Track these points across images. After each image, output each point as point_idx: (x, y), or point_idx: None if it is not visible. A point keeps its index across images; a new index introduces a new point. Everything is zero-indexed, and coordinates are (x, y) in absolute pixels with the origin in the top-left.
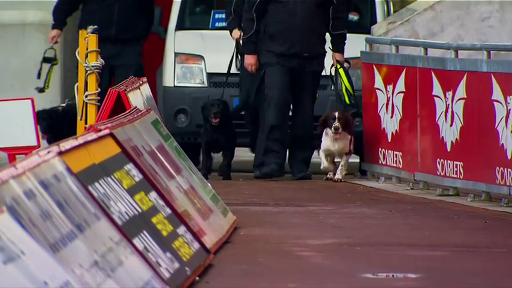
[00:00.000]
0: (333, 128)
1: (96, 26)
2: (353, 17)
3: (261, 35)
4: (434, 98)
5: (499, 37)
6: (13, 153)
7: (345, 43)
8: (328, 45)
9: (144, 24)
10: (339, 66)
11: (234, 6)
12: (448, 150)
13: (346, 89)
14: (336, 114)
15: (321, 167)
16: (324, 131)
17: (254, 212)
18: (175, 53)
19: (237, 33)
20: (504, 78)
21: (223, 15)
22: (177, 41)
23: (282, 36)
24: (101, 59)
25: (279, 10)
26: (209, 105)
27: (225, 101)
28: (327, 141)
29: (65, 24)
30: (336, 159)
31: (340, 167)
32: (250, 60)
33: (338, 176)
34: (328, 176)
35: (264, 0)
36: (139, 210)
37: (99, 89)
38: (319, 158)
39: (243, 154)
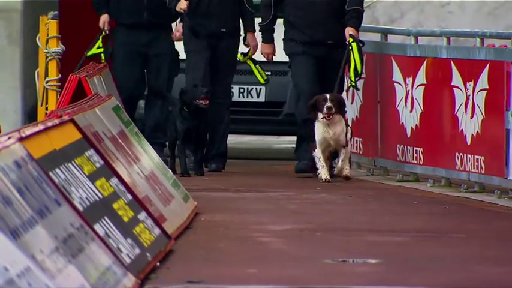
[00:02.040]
0: (325, 109)
1: (56, 12)
2: None
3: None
4: (395, 84)
5: (459, 23)
6: None
7: (360, 19)
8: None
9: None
10: (351, 40)
11: None
12: (408, 136)
13: (355, 67)
14: (327, 95)
15: (318, 176)
16: (316, 120)
17: (215, 198)
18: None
19: (183, 3)
20: (464, 64)
21: None
22: None
23: (303, 23)
24: (62, 45)
25: None
26: (192, 88)
27: (209, 89)
28: (319, 129)
29: (108, 7)
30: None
31: (340, 162)
32: (266, 49)
33: (346, 172)
34: (324, 178)
35: None
36: (100, 196)
37: (60, 75)
38: (315, 158)
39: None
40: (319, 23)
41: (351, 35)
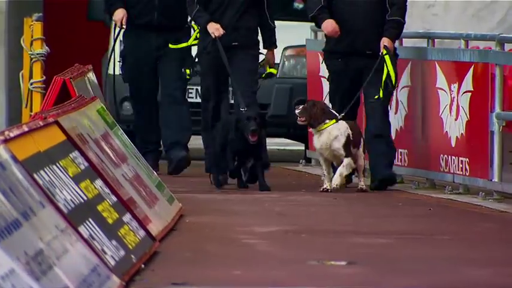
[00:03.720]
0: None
1: (41, 14)
2: (298, 5)
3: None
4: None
5: (444, 25)
6: None
7: (398, 30)
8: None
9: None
10: (384, 52)
11: None
12: (393, 138)
13: (387, 77)
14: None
15: (321, 188)
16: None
17: (200, 200)
18: (120, 40)
19: (213, 26)
20: (448, 66)
21: None
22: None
23: (344, 31)
24: (46, 47)
25: (339, 2)
26: (244, 119)
27: (260, 113)
28: (315, 138)
29: (123, 2)
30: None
31: (338, 171)
32: (330, 25)
33: (336, 181)
34: (322, 188)
35: None
36: (85, 198)
37: (44, 77)
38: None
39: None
40: (358, 31)
41: (385, 47)
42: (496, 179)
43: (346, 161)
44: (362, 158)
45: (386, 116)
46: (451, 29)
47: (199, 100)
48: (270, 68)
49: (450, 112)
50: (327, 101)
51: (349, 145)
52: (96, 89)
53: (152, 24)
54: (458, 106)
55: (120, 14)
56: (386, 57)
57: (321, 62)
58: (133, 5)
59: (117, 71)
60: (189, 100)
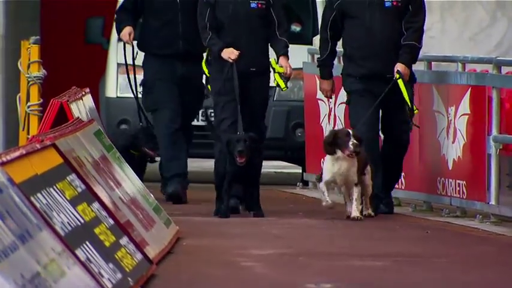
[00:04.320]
0: (351, 146)
1: (38, 37)
2: (295, 28)
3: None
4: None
5: (441, 48)
6: None
7: (413, 55)
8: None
9: None
10: (397, 76)
11: (209, 19)
12: None
13: (405, 102)
14: (350, 131)
15: (323, 203)
16: (332, 155)
17: (197, 223)
18: (118, 63)
19: (227, 51)
20: (445, 89)
21: None
22: (120, 51)
23: (360, 55)
24: (43, 70)
25: (355, 26)
26: (235, 141)
27: (251, 136)
28: (328, 164)
29: (134, 20)
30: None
31: (354, 201)
32: (325, 85)
33: (355, 212)
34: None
35: (339, 15)
36: (82, 220)
37: (41, 100)
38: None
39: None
40: (376, 55)
41: (398, 71)
42: (493, 201)
43: (357, 192)
44: (370, 185)
45: (407, 145)
46: (448, 52)
47: (202, 123)
48: (284, 74)
49: (447, 135)
50: (324, 123)
51: (360, 171)
52: (93, 112)
53: (178, 53)
54: (455, 129)
55: (125, 32)
56: (400, 82)
57: (317, 84)
58: (156, 34)
59: (115, 93)
60: (194, 123)
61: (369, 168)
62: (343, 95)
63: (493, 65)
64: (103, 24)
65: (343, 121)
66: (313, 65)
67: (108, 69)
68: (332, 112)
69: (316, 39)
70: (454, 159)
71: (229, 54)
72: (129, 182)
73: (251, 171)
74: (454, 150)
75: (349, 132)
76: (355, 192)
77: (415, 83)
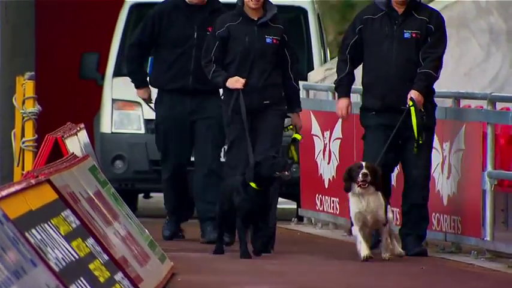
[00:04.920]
0: (360, 175)
1: (33, 73)
2: None
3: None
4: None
5: (436, 83)
6: None
7: (428, 82)
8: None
9: None
10: (410, 103)
11: (215, 53)
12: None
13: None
14: (363, 163)
15: (361, 256)
16: (351, 192)
17: (192, 258)
18: (112, 99)
19: (232, 80)
20: (440, 124)
21: None
22: (115, 87)
23: (375, 85)
24: (38, 106)
25: (373, 56)
26: (271, 158)
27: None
28: (354, 203)
29: (144, 79)
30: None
31: (384, 241)
32: (340, 103)
33: (385, 255)
34: (364, 254)
35: (360, 41)
36: (77, 256)
37: (36, 136)
38: (354, 237)
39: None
40: (392, 87)
41: (411, 98)
42: (488, 237)
43: (386, 231)
44: (392, 223)
45: (426, 186)
46: (443, 88)
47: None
48: (296, 133)
49: (442, 170)
50: (319, 159)
51: (386, 210)
52: (88, 148)
53: (187, 88)
54: (450, 165)
55: (144, 95)
56: (412, 110)
57: (312, 120)
58: (168, 68)
59: (110, 129)
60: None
61: (389, 207)
62: (337, 131)
63: (487, 101)
64: (98, 60)
65: (337, 157)
66: (308, 100)
67: (103, 105)
68: (327, 148)
69: (311, 75)
70: (448, 194)
71: (235, 83)
72: (123, 217)
73: (265, 204)
74: (449, 185)
75: (361, 165)
76: (384, 232)
77: (434, 109)
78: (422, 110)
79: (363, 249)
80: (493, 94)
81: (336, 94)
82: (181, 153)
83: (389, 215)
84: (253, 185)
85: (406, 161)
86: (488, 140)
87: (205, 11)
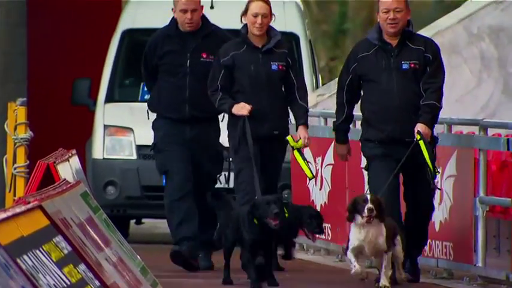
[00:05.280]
0: (366, 210)
1: (25, 99)
2: None
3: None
4: (363, 170)
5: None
6: None
7: (433, 114)
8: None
9: None
10: (418, 137)
11: (221, 82)
12: None
13: (427, 166)
14: (368, 196)
15: (352, 271)
16: (353, 223)
17: (184, 284)
18: (104, 125)
19: (238, 106)
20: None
21: None
22: (106, 113)
23: (378, 119)
24: (30, 131)
25: (372, 90)
26: (265, 204)
27: (280, 197)
28: (354, 233)
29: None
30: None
31: (383, 268)
32: (341, 150)
33: (383, 281)
34: (354, 271)
35: (356, 79)
36: (68, 282)
37: (28, 161)
38: (347, 259)
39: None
40: (395, 119)
41: (418, 132)
42: (480, 263)
43: (387, 259)
44: (402, 256)
45: (430, 212)
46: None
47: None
48: (303, 146)
49: (434, 196)
50: (311, 185)
51: (390, 239)
52: (79, 173)
53: (185, 118)
54: (442, 191)
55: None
56: (421, 143)
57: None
58: (165, 97)
59: (102, 155)
60: (218, 186)
61: (399, 238)
62: (329, 157)
63: (479, 127)
64: (90, 86)
65: (329, 183)
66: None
67: (95, 131)
68: (319, 174)
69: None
70: (440, 220)
71: (241, 109)
72: (115, 243)
73: (271, 237)
74: (440, 211)
75: (366, 198)
76: (385, 259)
77: (436, 144)
78: (431, 142)
79: (356, 266)
80: (484, 120)
81: (335, 136)
82: (185, 173)
83: (398, 247)
84: (268, 222)
85: (411, 191)
86: (480, 166)
87: (198, 37)
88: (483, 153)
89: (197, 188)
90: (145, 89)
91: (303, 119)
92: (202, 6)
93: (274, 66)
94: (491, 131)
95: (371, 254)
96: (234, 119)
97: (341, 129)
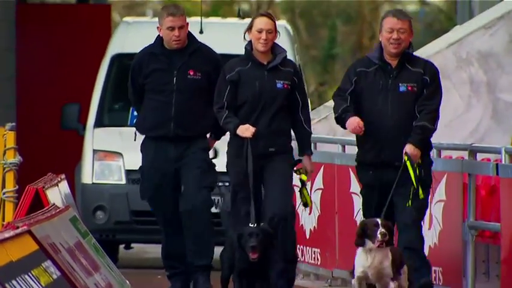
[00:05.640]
0: (379, 235)
1: (14, 124)
2: None
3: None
4: (352, 194)
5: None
6: None
7: (423, 136)
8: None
9: (213, 118)
10: (406, 158)
11: (227, 98)
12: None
13: (413, 189)
14: (379, 220)
15: None
16: (362, 247)
17: None
18: (93, 149)
19: (242, 128)
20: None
21: None
22: (96, 137)
23: (372, 140)
24: (19, 156)
25: (368, 110)
26: (246, 234)
27: (265, 229)
28: (361, 258)
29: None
30: None
31: None
32: (353, 119)
33: None
34: None
35: (357, 91)
36: None
37: (17, 186)
38: (352, 286)
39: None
40: (387, 142)
41: (405, 153)
42: None
43: (396, 285)
44: (406, 282)
45: (419, 230)
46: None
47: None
48: (305, 174)
49: (423, 221)
50: (300, 210)
51: (396, 266)
52: (68, 198)
53: (169, 136)
54: (431, 215)
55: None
56: (408, 165)
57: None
58: (151, 115)
59: (91, 180)
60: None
61: (405, 267)
62: (319, 182)
63: (468, 152)
64: (79, 110)
65: (319, 207)
66: None
67: (84, 155)
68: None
69: None
70: (430, 245)
71: (245, 131)
72: (104, 268)
73: (262, 267)
74: (430, 236)
75: (377, 222)
76: (391, 286)
77: (431, 166)
78: (420, 163)
79: None
80: (473, 145)
81: (343, 120)
82: (167, 203)
83: (403, 276)
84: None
85: (398, 217)
86: (470, 190)
87: (184, 55)
88: (472, 178)
89: (188, 197)
90: (135, 113)
91: (308, 149)
92: (187, 23)
93: (279, 85)
94: (480, 156)
95: (375, 280)
96: (236, 139)
97: (348, 109)
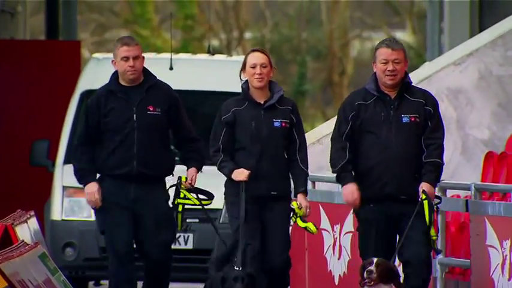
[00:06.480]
0: (365, 273)
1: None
2: None
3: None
4: (322, 231)
5: None
6: None
7: (437, 173)
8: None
9: (172, 159)
10: (424, 197)
11: (223, 141)
12: (336, 283)
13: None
14: (375, 259)
15: None
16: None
17: None
18: (63, 186)
19: (237, 172)
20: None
21: None
22: (65, 174)
23: (376, 174)
24: None
25: (371, 142)
26: (231, 279)
27: (250, 273)
28: None
29: (95, 174)
30: None
31: None
32: (350, 187)
33: None
34: None
35: (356, 127)
36: None
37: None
38: None
39: None
40: (392, 175)
41: (423, 191)
42: None
43: None
44: None
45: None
46: None
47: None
48: (303, 215)
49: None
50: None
51: None
52: (38, 235)
53: (131, 174)
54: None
55: (91, 190)
56: (425, 203)
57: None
58: (112, 155)
59: (61, 216)
60: (175, 247)
61: None
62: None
63: (438, 188)
64: (48, 147)
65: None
66: None
67: (54, 192)
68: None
69: None
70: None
71: (239, 175)
72: None
73: None
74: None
75: (372, 261)
76: None
77: (440, 203)
78: (438, 202)
79: None
80: (443, 181)
81: (340, 184)
82: (127, 238)
83: None
84: None
85: (405, 244)
86: (439, 227)
87: (142, 90)
88: (442, 214)
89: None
90: (76, 153)
91: (303, 187)
92: (143, 57)
93: (276, 123)
94: (450, 192)
95: None
96: (232, 183)
97: (347, 169)
